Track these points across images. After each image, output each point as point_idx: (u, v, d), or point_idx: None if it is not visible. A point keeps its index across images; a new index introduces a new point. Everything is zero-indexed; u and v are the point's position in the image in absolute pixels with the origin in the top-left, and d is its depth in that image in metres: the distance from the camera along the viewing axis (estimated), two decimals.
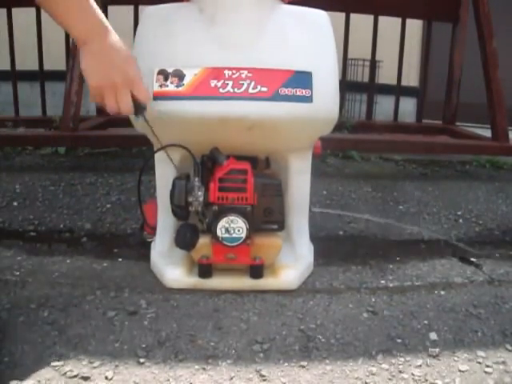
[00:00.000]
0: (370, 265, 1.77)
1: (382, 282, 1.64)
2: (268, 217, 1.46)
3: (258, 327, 1.34)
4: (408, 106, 3.81)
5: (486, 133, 3.01)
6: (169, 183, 1.44)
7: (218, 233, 1.40)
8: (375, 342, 1.31)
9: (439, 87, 3.26)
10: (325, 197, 2.36)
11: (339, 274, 1.67)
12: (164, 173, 1.53)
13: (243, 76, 1.36)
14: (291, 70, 1.39)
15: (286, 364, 1.20)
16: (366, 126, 3.20)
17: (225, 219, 1.39)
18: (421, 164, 3.08)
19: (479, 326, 1.42)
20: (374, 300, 1.52)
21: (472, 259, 1.89)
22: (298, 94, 1.38)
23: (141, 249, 1.75)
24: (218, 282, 1.49)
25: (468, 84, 3.29)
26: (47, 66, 3.00)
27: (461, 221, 2.27)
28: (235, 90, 1.35)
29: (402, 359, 1.24)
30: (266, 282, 1.50)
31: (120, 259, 1.71)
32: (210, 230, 1.42)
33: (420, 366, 1.23)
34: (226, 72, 1.36)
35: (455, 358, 1.27)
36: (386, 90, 3.45)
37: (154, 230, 1.64)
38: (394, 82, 3.25)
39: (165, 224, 1.58)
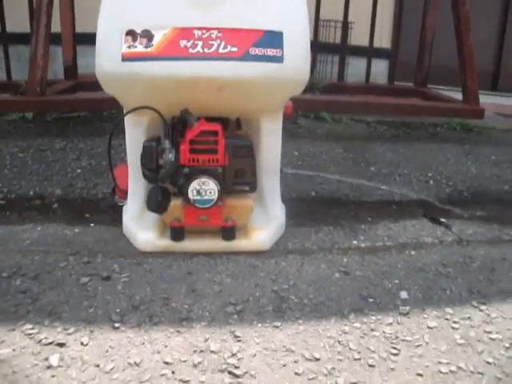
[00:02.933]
0: (342, 225, 1.79)
1: (354, 242, 1.66)
2: (240, 178, 1.45)
3: (232, 289, 1.35)
4: (380, 68, 3.81)
5: (458, 95, 3.04)
6: (139, 146, 1.42)
7: (190, 195, 1.39)
8: (347, 301, 1.33)
9: (411, 49, 3.25)
10: (296, 158, 2.36)
11: (311, 235, 1.69)
12: (134, 136, 1.51)
13: (213, 36, 1.34)
14: (262, 30, 1.36)
15: (260, 325, 1.22)
16: (337, 87, 3.19)
17: (196, 181, 1.38)
18: (392, 126, 3.09)
19: (448, 285, 1.45)
20: (345, 260, 1.54)
21: (442, 220, 1.92)
22: (269, 53, 1.36)
23: (112, 213, 1.73)
24: (190, 244, 1.49)
25: (441, 46, 3.30)
26: (10, 28, 2.88)
27: (431, 182, 2.30)
28: (205, 50, 1.33)
29: (374, 318, 1.27)
30: (238, 244, 1.51)
31: (92, 224, 1.70)
32: (182, 193, 1.41)
33: (391, 323, 1.26)
34: (196, 32, 1.33)
35: (424, 316, 1.30)
36: (357, 51, 3.43)
37: (125, 194, 1.62)
38: (366, 43, 3.23)
39: (136, 188, 1.56)
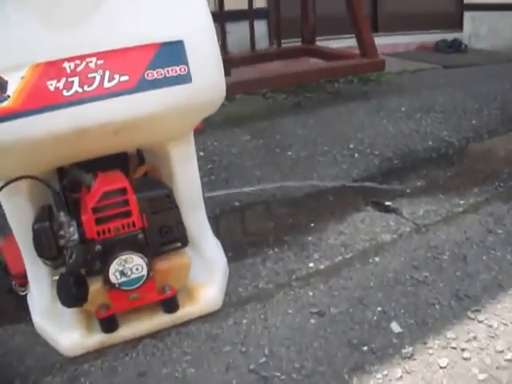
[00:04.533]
0: (287, 243, 1.52)
1: (311, 265, 1.40)
2: (167, 236, 1.12)
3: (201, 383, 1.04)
4: (259, 30, 3.50)
5: (343, 43, 2.85)
6: (26, 219, 1.06)
7: (113, 279, 1.05)
8: (339, 357, 1.08)
9: (291, 4, 2.98)
10: (204, 160, 2.04)
11: (259, 268, 1.40)
12: (15, 207, 1.11)
13: (92, 66, 0.96)
14: (156, 43, 1.00)
15: None
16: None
17: (116, 261, 1.03)
18: (289, 92, 2.84)
19: (432, 296, 1.26)
20: (312, 294, 1.29)
21: (387, 203, 1.72)
22: (171, 73, 1.01)
23: (14, 301, 1.31)
24: (127, 330, 1.15)
25: None
26: None
27: (357, 155, 2.09)
28: (85, 88, 0.95)
29: (380, 375, 1.03)
30: (185, 312, 1.20)
31: None
32: (99, 274, 1.06)
33: (401, 377, 1.03)
34: (67, 65, 0.94)
35: (429, 352, 1.09)
36: (233, 16, 3.09)
37: (23, 278, 1.23)
38: (240, 6, 2.90)
39: (36, 272, 1.18)
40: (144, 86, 0.99)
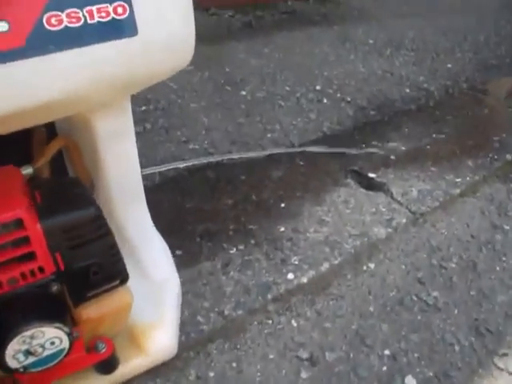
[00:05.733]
0: (253, 235, 1.15)
1: (290, 276, 1.06)
2: (97, 277, 0.71)
3: None
4: None
5: None
6: None
7: (13, 364, 0.64)
8: None
9: None
10: (135, 99, 1.57)
11: (221, 279, 1.04)
12: None
13: None
14: None
15: None
16: None
17: (15, 342, 0.62)
18: (237, 8, 2.34)
19: (448, 329, 0.99)
20: (296, 326, 0.95)
21: (370, 174, 1.39)
22: (98, 18, 0.57)
23: None
24: None
25: None
26: None
27: (325, 101, 1.71)
28: None
29: None
30: (129, 367, 0.82)
31: None
32: None
33: None
34: None
35: None
36: None
37: None
38: None
39: None
40: (41, 42, 0.53)
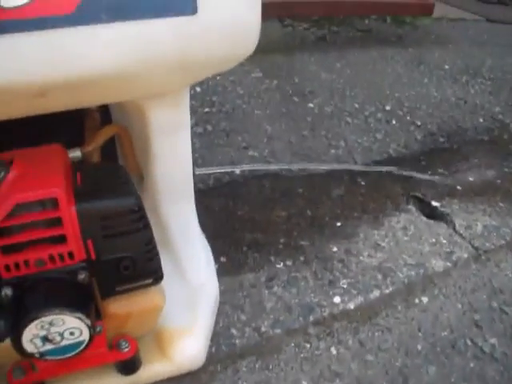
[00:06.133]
0: (304, 252, 1.10)
1: (336, 300, 0.99)
2: (128, 272, 0.68)
3: None
4: None
5: None
6: None
7: (30, 349, 0.61)
8: None
9: None
10: (200, 99, 1.56)
11: (263, 294, 0.98)
12: None
13: None
14: None
15: None
16: None
17: (33, 326, 0.59)
18: (312, 22, 2.30)
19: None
20: (335, 354, 0.89)
21: (433, 203, 1.31)
22: None
23: None
24: None
25: None
26: None
27: (394, 122, 1.64)
28: None
29: None
30: (151, 372, 0.78)
31: None
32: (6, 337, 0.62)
33: None
34: None
35: None
36: None
37: None
38: None
39: None
40: (93, 11, 0.50)
